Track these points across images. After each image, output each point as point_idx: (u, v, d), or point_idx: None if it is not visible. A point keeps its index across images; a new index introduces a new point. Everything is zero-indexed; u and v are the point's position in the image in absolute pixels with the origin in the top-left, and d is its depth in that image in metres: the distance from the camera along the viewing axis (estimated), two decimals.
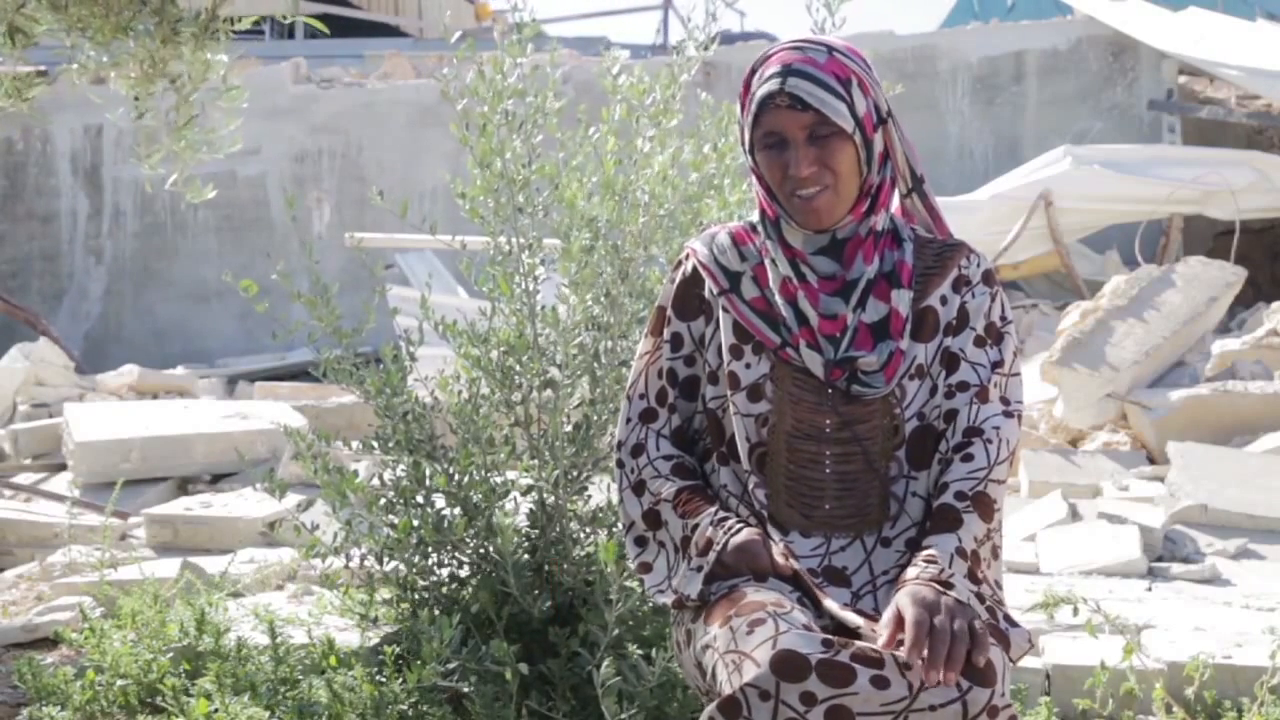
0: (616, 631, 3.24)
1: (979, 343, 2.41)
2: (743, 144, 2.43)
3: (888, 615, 2.17)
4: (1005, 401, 2.40)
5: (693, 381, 2.51)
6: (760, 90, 2.35)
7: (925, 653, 2.09)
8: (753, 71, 2.39)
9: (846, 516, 2.37)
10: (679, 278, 2.52)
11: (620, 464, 2.53)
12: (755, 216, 2.50)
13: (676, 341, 2.51)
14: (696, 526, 2.40)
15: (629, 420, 2.53)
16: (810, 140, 2.33)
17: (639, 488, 2.49)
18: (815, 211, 2.36)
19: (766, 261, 2.43)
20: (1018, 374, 2.45)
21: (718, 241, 2.49)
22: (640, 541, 2.49)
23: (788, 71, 2.33)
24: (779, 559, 2.34)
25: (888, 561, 2.34)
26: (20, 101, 4.49)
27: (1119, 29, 12.45)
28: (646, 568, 2.48)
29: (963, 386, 2.39)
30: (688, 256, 2.52)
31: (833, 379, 2.36)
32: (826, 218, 2.37)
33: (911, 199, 2.49)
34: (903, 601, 2.17)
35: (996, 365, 2.41)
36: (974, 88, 12.85)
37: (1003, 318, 2.44)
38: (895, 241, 2.44)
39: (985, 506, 2.32)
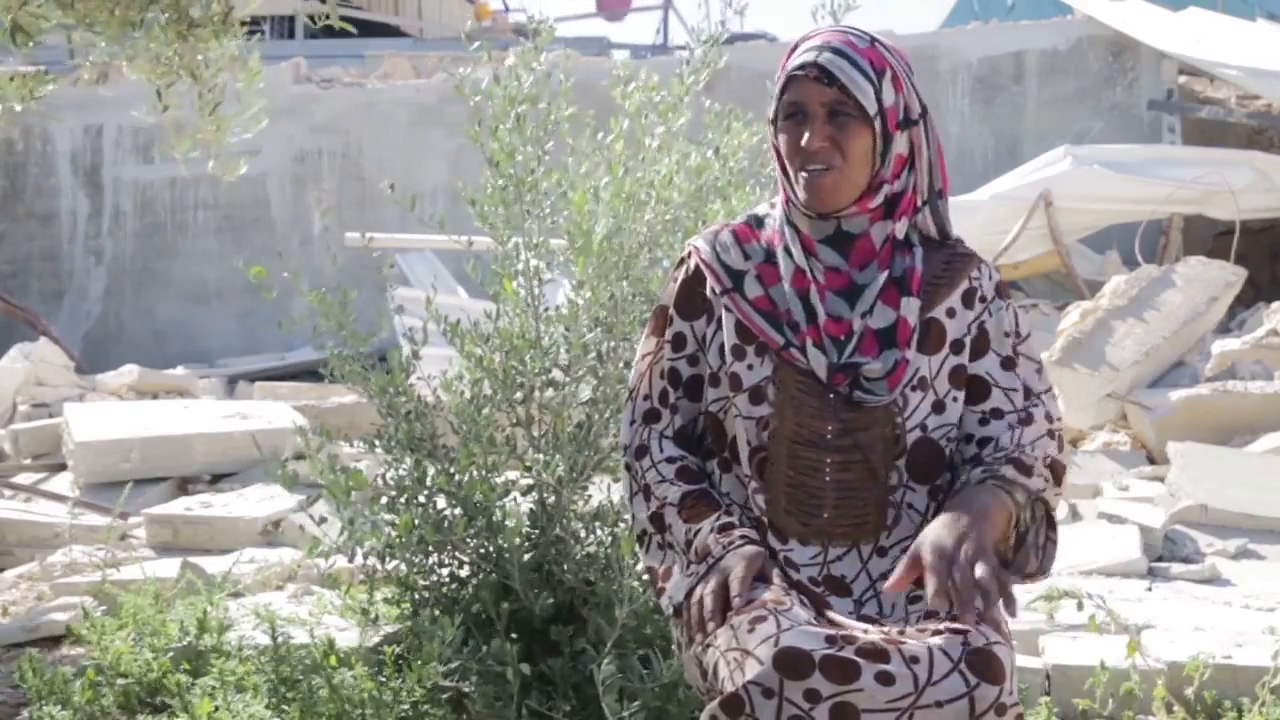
0: (618, 631, 3.24)
1: (1007, 365, 2.41)
2: (769, 120, 2.43)
3: (905, 560, 2.19)
4: (1050, 419, 2.41)
5: (697, 380, 2.48)
6: (794, 62, 2.36)
7: (944, 584, 2.12)
8: (794, 49, 2.39)
9: (844, 526, 2.35)
10: (681, 276, 2.50)
11: (628, 467, 2.50)
12: (760, 210, 2.49)
13: (679, 341, 2.49)
14: (699, 531, 2.38)
15: (632, 422, 2.51)
16: (829, 118, 2.33)
17: (645, 492, 2.46)
18: (819, 189, 2.34)
19: (779, 252, 2.41)
20: (1050, 388, 2.45)
21: (720, 239, 2.47)
22: (647, 546, 2.47)
23: (825, 47, 2.35)
24: (778, 584, 2.31)
25: (885, 568, 2.33)
26: (31, 100, 4.49)
27: (1119, 29, 12.44)
28: (653, 572, 2.47)
29: (996, 414, 2.39)
30: (690, 254, 2.49)
31: (835, 384, 2.34)
32: (829, 199, 2.35)
33: (924, 211, 2.44)
34: (923, 545, 2.18)
35: (1029, 391, 2.41)
36: (974, 88, 12.85)
37: (1017, 333, 2.43)
38: (906, 245, 2.41)
39: (1028, 474, 2.33)
